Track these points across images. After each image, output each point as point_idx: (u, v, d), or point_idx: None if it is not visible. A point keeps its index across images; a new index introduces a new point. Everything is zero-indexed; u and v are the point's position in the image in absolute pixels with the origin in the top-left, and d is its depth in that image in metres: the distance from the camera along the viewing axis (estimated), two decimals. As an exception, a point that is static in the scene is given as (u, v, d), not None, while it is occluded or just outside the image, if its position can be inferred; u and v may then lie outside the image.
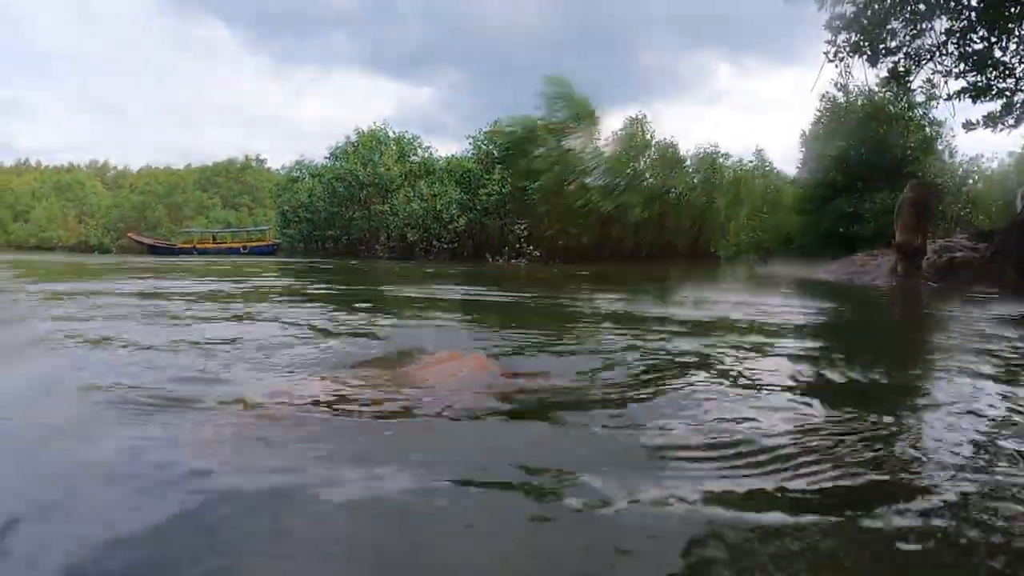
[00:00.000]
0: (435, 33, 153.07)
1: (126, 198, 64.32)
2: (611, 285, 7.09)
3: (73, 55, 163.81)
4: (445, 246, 30.22)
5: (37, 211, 63.05)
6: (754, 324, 3.89)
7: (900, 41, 11.80)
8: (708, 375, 2.18)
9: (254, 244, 38.04)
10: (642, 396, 1.85)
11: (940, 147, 23.10)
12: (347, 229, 33.76)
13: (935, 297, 6.31)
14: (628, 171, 31.32)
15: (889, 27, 11.57)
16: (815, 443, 1.44)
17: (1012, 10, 10.47)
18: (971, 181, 24.49)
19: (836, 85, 20.18)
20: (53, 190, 65.83)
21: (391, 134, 34.59)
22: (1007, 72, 11.44)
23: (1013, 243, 9.24)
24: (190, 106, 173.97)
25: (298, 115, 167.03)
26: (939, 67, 11.97)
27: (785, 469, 1.26)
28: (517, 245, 30.11)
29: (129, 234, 49.26)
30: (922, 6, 11.08)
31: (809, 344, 3.35)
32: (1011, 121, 12.13)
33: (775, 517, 1.02)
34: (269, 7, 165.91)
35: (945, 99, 12.28)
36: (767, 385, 2.04)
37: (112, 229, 59.59)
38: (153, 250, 38.77)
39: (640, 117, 31.88)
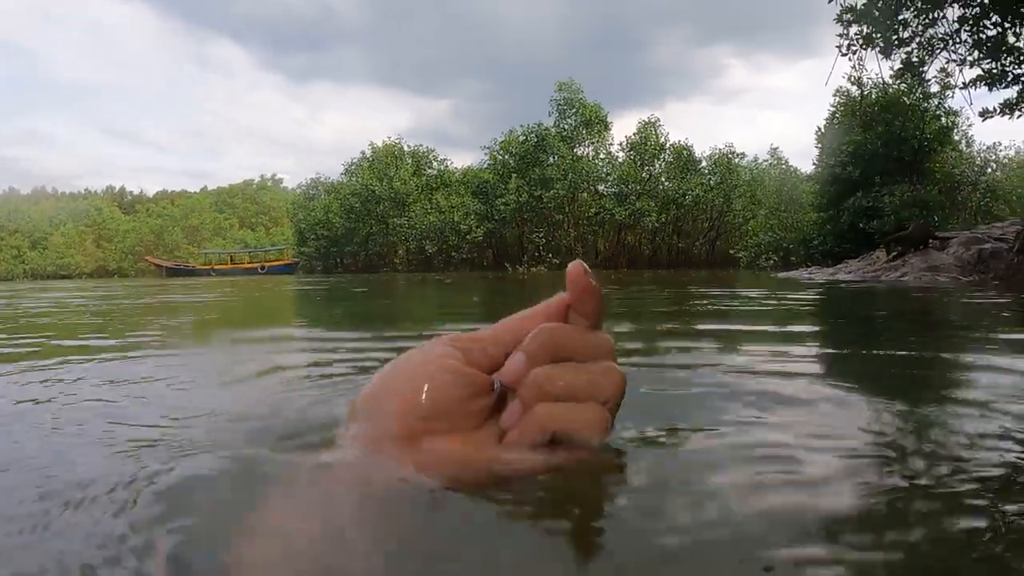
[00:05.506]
0: (449, 45, 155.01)
1: (143, 222, 65.14)
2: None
3: (87, 83, 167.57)
4: (464, 256, 30.40)
5: (55, 238, 63.69)
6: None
7: (913, 31, 11.82)
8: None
9: (271, 264, 37.96)
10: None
11: (956, 137, 23.08)
12: (365, 244, 34.06)
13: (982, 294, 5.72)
14: (643, 176, 31.44)
15: (901, 18, 11.61)
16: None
17: (1025, -5, 10.47)
18: (989, 170, 24.42)
19: (850, 79, 20.18)
20: (70, 216, 66.63)
21: (406, 148, 34.92)
22: (1022, 57, 11.44)
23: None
24: (206, 127, 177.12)
25: (315, 132, 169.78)
26: (953, 56, 11.95)
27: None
28: (536, 254, 30.33)
29: (147, 257, 50.16)
30: (933, -6, 11.11)
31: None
32: (1029, 107, 12.06)
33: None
34: (282, 26, 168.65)
35: (960, 88, 12.25)
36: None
37: (130, 253, 60.42)
38: (172, 272, 38.98)
39: (653, 120, 32.04)
